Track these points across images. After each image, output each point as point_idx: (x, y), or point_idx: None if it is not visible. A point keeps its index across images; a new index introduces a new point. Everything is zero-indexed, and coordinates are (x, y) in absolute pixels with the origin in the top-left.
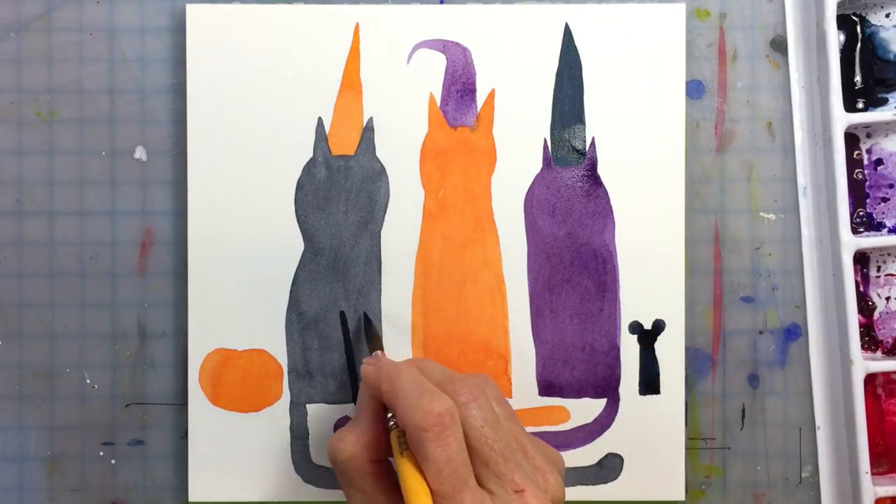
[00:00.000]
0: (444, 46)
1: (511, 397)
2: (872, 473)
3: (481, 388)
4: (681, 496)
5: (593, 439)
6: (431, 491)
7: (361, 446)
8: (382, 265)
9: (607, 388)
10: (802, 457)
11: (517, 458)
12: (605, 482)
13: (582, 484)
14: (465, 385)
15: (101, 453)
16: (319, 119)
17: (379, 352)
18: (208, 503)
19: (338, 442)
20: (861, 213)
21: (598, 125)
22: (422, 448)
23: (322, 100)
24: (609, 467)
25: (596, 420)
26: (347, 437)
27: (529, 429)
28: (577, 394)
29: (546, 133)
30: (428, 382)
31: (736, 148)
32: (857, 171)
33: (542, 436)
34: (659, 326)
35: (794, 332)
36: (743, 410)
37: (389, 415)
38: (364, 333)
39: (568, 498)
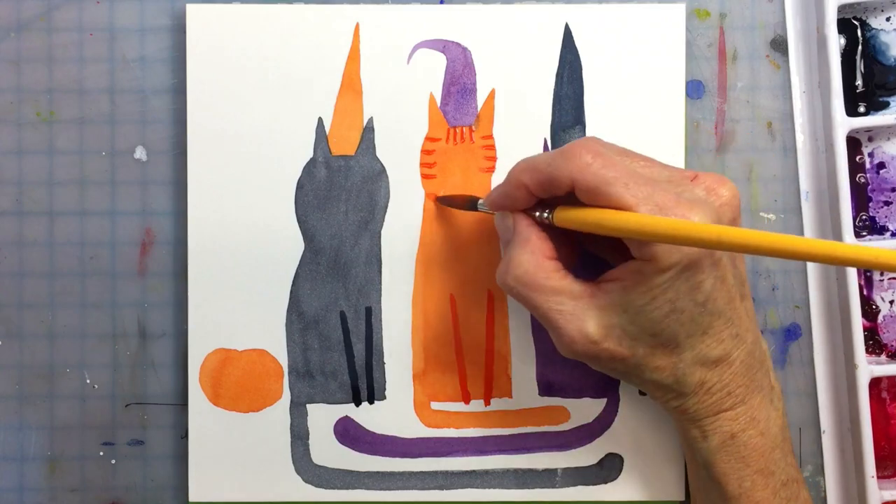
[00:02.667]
0: (444, 46)
1: (511, 397)
2: (878, 477)
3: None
4: (681, 496)
5: (593, 439)
6: (633, 208)
7: (531, 249)
8: (382, 265)
9: (607, 388)
10: (803, 457)
11: (671, 167)
12: (606, 482)
13: (582, 484)
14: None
15: (101, 453)
16: (319, 119)
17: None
18: (208, 503)
19: (506, 264)
20: (864, 217)
21: (598, 125)
22: (595, 180)
23: (322, 100)
24: (609, 467)
25: (596, 420)
26: (514, 254)
27: (529, 429)
28: (577, 394)
29: (546, 133)
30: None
31: (736, 148)
32: (859, 175)
33: (542, 436)
34: None
35: (794, 332)
36: None
37: (544, 212)
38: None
39: (568, 498)
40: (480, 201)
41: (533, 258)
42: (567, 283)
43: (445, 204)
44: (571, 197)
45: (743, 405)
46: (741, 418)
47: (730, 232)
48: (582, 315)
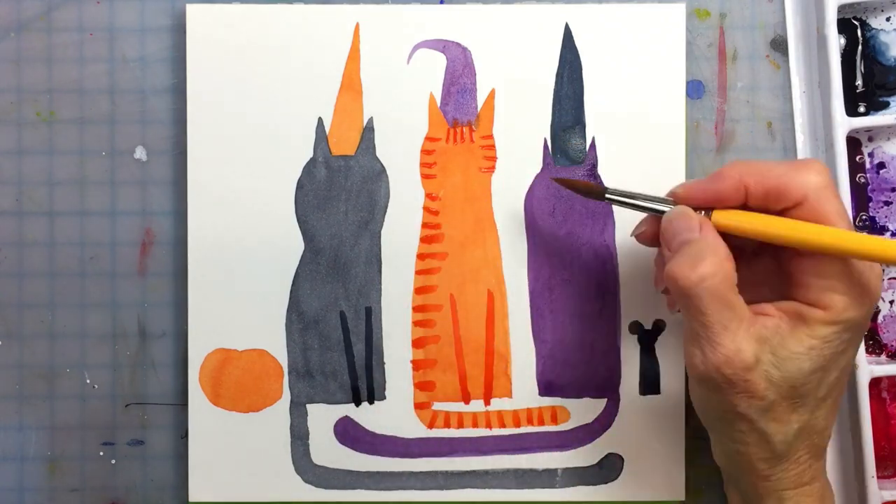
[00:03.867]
0: (444, 46)
1: (511, 397)
2: (878, 477)
3: None
4: (681, 496)
5: (594, 439)
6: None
7: (723, 258)
8: (382, 265)
9: (607, 387)
10: None
11: None
12: (606, 482)
13: (582, 484)
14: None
15: (101, 453)
16: (319, 119)
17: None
18: (208, 503)
19: (695, 261)
20: (864, 217)
21: (598, 125)
22: (828, 207)
23: (322, 100)
24: (609, 467)
25: (596, 420)
26: (704, 255)
27: (529, 429)
28: (578, 394)
29: (546, 133)
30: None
31: (736, 148)
32: (859, 175)
33: (543, 436)
34: (659, 326)
35: None
36: None
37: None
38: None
39: (568, 498)
40: (609, 189)
41: (724, 266)
42: (741, 302)
43: (564, 185)
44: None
45: (818, 482)
46: (816, 494)
47: None
48: (744, 338)
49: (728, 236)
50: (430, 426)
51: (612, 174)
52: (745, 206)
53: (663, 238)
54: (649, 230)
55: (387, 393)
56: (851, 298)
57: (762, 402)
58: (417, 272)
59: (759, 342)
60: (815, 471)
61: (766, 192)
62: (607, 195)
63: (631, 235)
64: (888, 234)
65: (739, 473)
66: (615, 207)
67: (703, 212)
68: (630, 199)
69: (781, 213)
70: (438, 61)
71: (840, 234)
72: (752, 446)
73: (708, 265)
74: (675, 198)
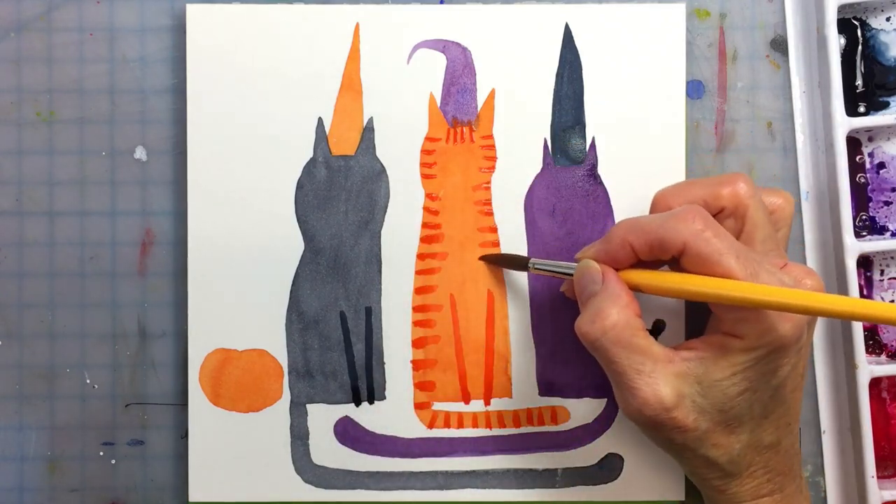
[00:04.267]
0: (444, 46)
1: (511, 397)
2: (878, 477)
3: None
4: (681, 496)
5: (593, 439)
6: (733, 276)
7: (623, 304)
8: (382, 265)
9: (607, 387)
10: (803, 457)
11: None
12: (606, 482)
13: (582, 484)
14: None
15: (101, 453)
16: (319, 119)
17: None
18: (208, 503)
19: (594, 314)
20: (864, 217)
21: (598, 125)
22: (709, 249)
23: (322, 100)
24: (609, 467)
25: (596, 420)
26: (603, 306)
27: (529, 429)
28: (578, 394)
29: (546, 133)
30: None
31: (736, 148)
32: (859, 175)
33: (543, 436)
34: (659, 327)
35: None
36: None
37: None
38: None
39: (568, 498)
40: (532, 261)
41: (623, 314)
42: (649, 343)
43: (491, 262)
44: (651, 264)
45: (780, 493)
46: None
47: (854, 302)
48: (659, 380)
49: None
50: (430, 426)
51: (612, 174)
52: (640, 263)
53: (577, 295)
54: (570, 291)
55: (387, 393)
56: (765, 325)
57: (696, 433)
58: (417, 272)
59: (679, 377)
60: (776, 484)
61: (649, 247)
62: (531, 266)
63: (561, 290)
64: (888, 234)
65: (701, 487)
66: (615, 207)
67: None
68: (552, 268)
69: (672, 262)
70: (438, 61)
71: (720, 285)
72: (701, 468)
73: (608, 317)
74: (579, 257)
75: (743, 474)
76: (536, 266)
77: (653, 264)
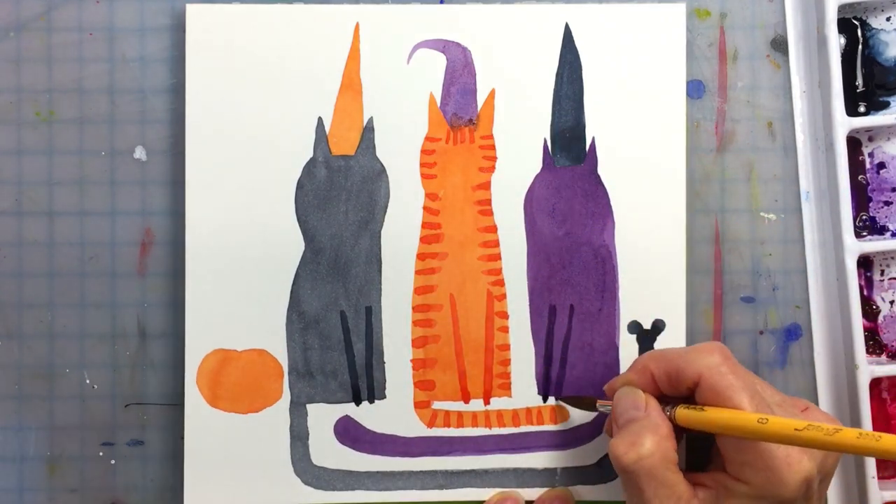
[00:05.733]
0: (444, 46)
1: (510, 396)
2: (879, 478)
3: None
4: None
5: (593, 439)
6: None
7: (662, 437)
8: (382, 265)
9: None
10: None
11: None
12: (605, 481)
13: (582, 484)
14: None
15: (101, 453)
16: (319, 119)
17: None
18: None
19: (634, 440)
20: (864, 217)
21: (598, 125)
22: (723, 382)
23: (322, 100)
24: (609, 467)
25: (595, 419)
26: (643, 435)
27: (529, 428)
28: (577, 393)
29: (546, 133)
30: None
31: (736, 148)
32: (859, 175)
33: (543, 436)
34: (658, 326)
35: (794, 333)
36: None
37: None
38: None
39: None
40: (599, 403)
41: (662, 446)
42: (678, 480)
43: (570, 404)
44: (683, 398)
45: None
46: None
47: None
48: None
49: None
50: (430, 425)
51: (612, 174)
52: (661, 391)
53: (613, 416)
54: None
55: (387, 392)
56: (772, 475)
57: None
58: (417, 272)
59: None
60: None
61: (667, 376)
62: (598, 406)
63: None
64: (888, 234)
65: None
66: (615, 207)
67: (668, 408)
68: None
69: (687, 394)
70: (438, 61)
71: (734, 417)
72: None
73: (646, 445)
74: (608, 388)
75: None
76: (603, 408)
77: (677, 399)
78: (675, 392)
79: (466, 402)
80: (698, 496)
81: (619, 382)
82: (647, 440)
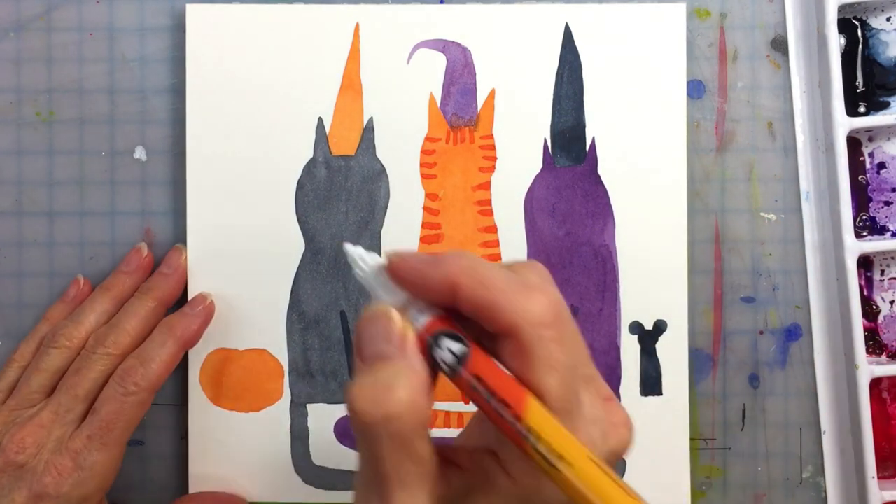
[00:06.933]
0: (444, 46)
1: None
2: (879, 478)
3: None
4: (685, 501)
5: None
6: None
7: (418, 390)
8: None
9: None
10: (803, 457)
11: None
12: None
13: None
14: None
15: None
16: (320, 119)
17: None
18: None
19: (385, 391)
20: (864, 217)
21: (598, 125)
22: (541, 352)
23: (322, 100)
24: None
25: None
26: (396, 382)
27: None
28: None
29: (546, 133)
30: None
31: (736, 148)
32: (859, 175)
33: None
34: (660, 327)
35: (794, 333)
36: (743, 411)
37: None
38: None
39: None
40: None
41: (418, 406)
42: (429, 453)
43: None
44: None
45: None
46: None
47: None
48: (412, 494)
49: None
50: (431, 426)
51: (611, 174)
52: (455, 307)
53: (354, 339)
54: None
55: None
56: (540, 481)
57: None
58: None
59: (434, 500)
60: None
61: (475, 305)
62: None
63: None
64: (888, 234)
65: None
66: (615, 207)
67: (422, 312)
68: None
69: (493, 337)
70: (438, 61)
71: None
72: None
73: (400, 402)
74: (388, 264)
75: None
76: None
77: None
78: (476, 320)
79: (466, 402)
80: (447, 478)
81: (406, 263)
82: (400, 393)
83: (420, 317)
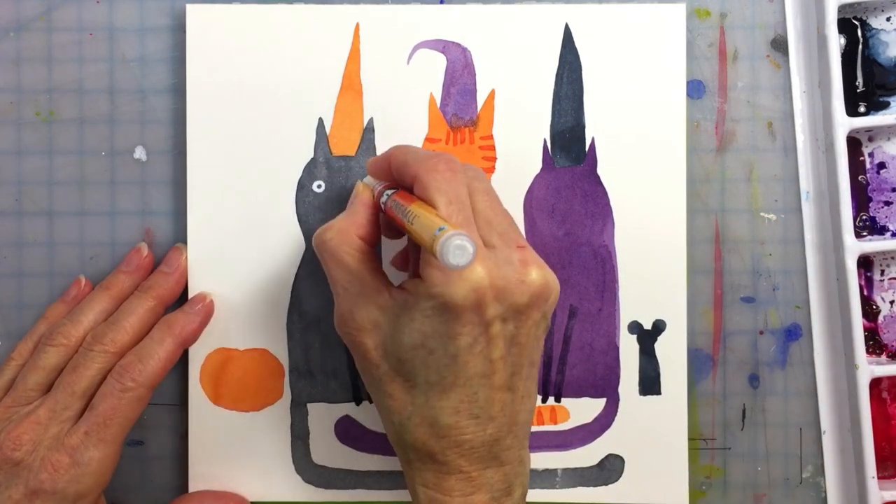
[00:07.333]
0: (444, 46)
1: None
2: (878, 478)
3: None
4: (684, 501)
5: (593, 439)
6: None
7: (350, 223)
8: (383, 265)
9: (606, 387)
10: (803, 457)
11: (515, 227)
12: (606, 484)
13: (582, 485)
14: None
15: None
16: (320, 119)
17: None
18: None
19: (326, 226)
20: (864, 217)
21: (598, 125)
22: (433, 185)
23: (322, 100)
24: (610, 469)
25: (596, 420)
26: (336, 220)
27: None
28: (577, 393)
29: (546, 133)
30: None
31: (736, 148)
32: (859, 175)
33: (543, 436)
34: (659, 327)
35: (794, 333)
36: (743, 411)
37: (385, 192)
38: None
39: (568, 499)
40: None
41: (347, 230)
42: (361, 267)
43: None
44: None
45: (462, 497)
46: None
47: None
48: (359, 302)
49: None
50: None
51: (612, 174)
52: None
53: None
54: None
55: None
56: (444, 274)
57: (378, 371)
58: None
59: (381, 309)
60: (456, 481)
61: (397, 167)
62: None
63: None
64: (888, 233)
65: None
66: (615, 207)
67: (380, 186)
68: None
69: (410, 189)
70: (438, 61)
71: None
72: (385, 423)
73: (328, 228)
74: (367, 164)
75: (418, 453)
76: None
77: None
78: (403, 184)
79: None
80: (392, 293)
81: (371, 160)
82: (334, 224)
83: (379, 187)
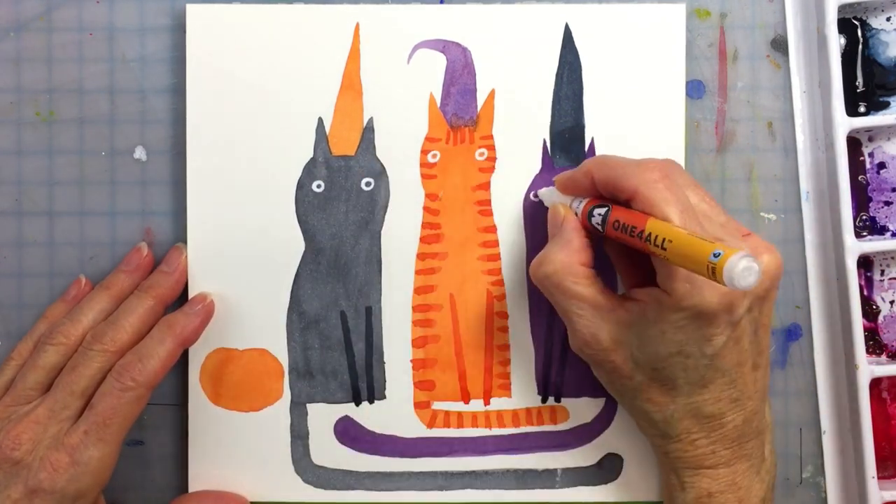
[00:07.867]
0: (444, 46)
1: (510, 397)
2: (879, 478)
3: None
4: None
5: (593, 439)
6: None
7: (569, 252)
8: (382, 265)
9: None
10: (803, 457)
11: (727, 214)
12: (606, 482)
13: (582, 485)
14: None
15: None
16: (320, 119)
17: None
18: None
19: (542, 258)
20: (864, 217)
21: (598, 125)
22: (659, 198)
23: (322, 100)
24: (609, 468)
25: (595, 419)
26: (551, 251)
27: (529, 428)
28: (576, 393)
29: (545, 133)
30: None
31: (736, 148)
32: (859, 175)
33: (543, 436)
34: None
35: (794, 333)
36: None
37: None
38: None
39: (568, 498)
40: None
41: (567, 260)
42: (592, 291)
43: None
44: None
45: (726, 468)
46: (722, 479)
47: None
48: (598, 324)
49: None
50: (430, 426)
51: None
52: (599, 195)
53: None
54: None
55: (387, 392)
56: (690, 286)
57: (631, 382)
58: (417, 272)
59: (620, 325)
60: (720, 457)
61: (606, 182)
62: (532, 195)
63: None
64: (888, 234)
65: (650, 445)
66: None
67: (581, 201)
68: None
69: (626, 203)
70: (438, 61)
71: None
72: (640, 421)
73: (549, 261)
74: (555, 181)
75: (683, 440)
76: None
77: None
78: (613, 199)
79: (466, 402)
80: (626, 307)
81: (562, 177)
82: (553, 257)
83: (580, 205)
